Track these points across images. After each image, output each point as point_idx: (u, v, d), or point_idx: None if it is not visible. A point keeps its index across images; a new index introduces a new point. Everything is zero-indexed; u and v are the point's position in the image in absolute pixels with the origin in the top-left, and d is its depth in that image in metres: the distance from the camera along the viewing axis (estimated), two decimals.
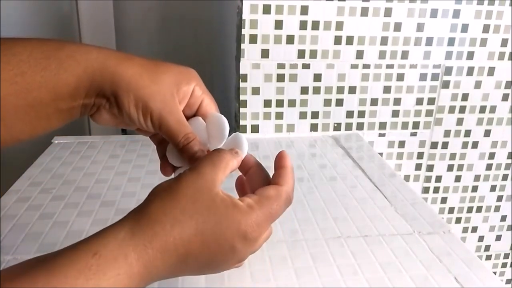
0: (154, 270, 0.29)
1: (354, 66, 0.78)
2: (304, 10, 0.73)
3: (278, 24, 0.73)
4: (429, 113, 0.82)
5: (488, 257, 0.95)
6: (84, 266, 0.26)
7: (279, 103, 0.78)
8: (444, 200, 0.89)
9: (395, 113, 0.81)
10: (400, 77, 0.79)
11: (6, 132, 0.33)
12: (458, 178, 0.88)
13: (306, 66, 0.76)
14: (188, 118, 0.40)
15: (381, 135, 0.83)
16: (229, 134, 0.39)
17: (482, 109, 0.83)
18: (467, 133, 0.85)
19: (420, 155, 0.85)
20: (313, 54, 0.76)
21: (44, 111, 0.33)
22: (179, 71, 0.38)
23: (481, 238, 0.93)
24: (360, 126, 0.82)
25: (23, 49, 0.32)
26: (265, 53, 0.74)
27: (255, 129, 0.79)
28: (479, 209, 0.91)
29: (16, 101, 0.32)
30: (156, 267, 0.29)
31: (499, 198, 0.90)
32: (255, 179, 0.38)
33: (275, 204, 0.34)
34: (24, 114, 0.33)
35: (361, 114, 0.81)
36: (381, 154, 0.83)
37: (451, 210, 0.90)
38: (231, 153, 0.36)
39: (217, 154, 0.35)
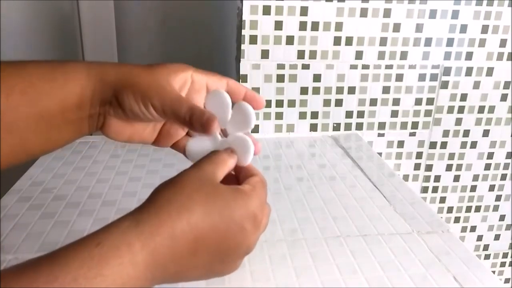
0: (161, 258, 0.29)
1: (354, 67, 0.78)
2: (304, 11, 0.73)
3: (278, 25, 0.73)
4: (428, 113, 0.82)
5: (487, 256, 0.95)
6: (87, 256, 0.27)
7: (279, 103, 0.78)
8: (443, 200, 0.89)
9: (394, 113, 0.82)
10: (399, 77, 0.80)
11: (18, 144, 0.34)
12: (456, 178, 0.88)
13: (305, 67, 0.77)
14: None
15: (380, 135, 0.83)
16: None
17: (481, 109, 0.84)
18: (466, 133, 0.85)
19: (419, 155, 0.85)
20: (313, 54, 0.76)
21: (54, 121, 0.35)
22: (174, 64, 0.39)
23: (479, 238, 0.93)
24: (359, 126, 0.82)
25: (32, 65, 0.35)
26: (265, 54, 0.75)
27: (255, 129, 0.79)
28: (477, 209, 0.91)
29: (27, 110, 0.33)
30: (163, 255, 0.29)
31: (498, 198, 0.91)
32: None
33: (264, 186, 0.37)
34: (35, 123, 0.34)
35: (360, 114, 0.81)
36: (380, 154, 0.84)
37: (450, 210, 0.90)
38: (227, 153, 0.37)
39: (214, 153, 0.37)
